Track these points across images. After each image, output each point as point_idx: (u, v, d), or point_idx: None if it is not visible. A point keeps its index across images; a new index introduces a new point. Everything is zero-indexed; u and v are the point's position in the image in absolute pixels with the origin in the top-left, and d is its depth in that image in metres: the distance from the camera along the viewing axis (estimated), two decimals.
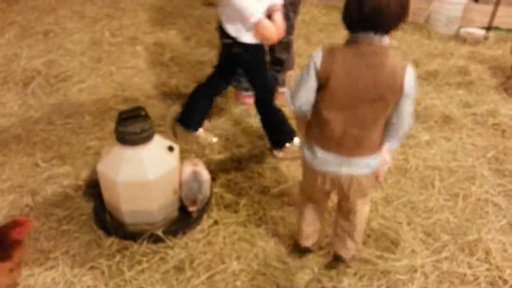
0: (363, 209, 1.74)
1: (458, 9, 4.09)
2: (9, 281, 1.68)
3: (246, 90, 2.99)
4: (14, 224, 1.67)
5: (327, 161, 1.56)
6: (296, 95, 1.49)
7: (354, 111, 1.45)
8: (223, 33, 2.20)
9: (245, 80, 2.94)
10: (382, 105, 1.45)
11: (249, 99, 2.99)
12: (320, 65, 1.41)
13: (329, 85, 1.42)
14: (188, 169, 2.10)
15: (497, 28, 4.12)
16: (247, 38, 2.13)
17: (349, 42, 1.42)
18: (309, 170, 1.65)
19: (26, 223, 1.68)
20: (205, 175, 2.13)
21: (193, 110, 2.55)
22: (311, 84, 1.44)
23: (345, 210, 1.75)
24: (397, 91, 1.43)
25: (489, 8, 4.21)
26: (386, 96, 1.43)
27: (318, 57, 1.41)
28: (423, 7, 4.55)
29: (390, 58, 1.40)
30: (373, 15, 1.33)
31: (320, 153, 1.56)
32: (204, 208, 2.12)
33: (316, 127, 1.54)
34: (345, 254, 1.86)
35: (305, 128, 1.60)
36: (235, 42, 2.16)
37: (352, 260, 1.89)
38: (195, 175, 2.08)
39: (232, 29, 2.14)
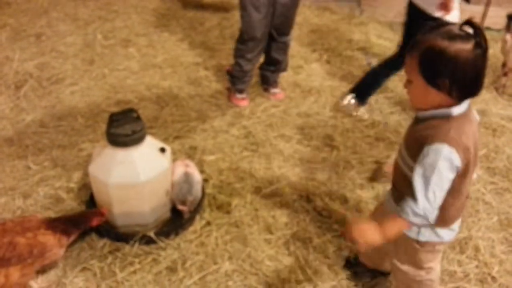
0: None
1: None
2: (60, 253, 1.80)
3: (240, 92, 3.00)
4: (97, 213, 1.89)
5: (457, 227, 1.47)
6: (435, 207, 1.23)
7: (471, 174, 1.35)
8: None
9: (239, 82, 2.95)
10: None
11: (242, 102, 2.99)
12: (460, 160, 1.21)
13: (469, 168, 1.28)
14: (179, 170, 2.11)
15: (488, 28, 4.16)
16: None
17: (460, 116, 1.25)
18: (441, 245, 1.49)
19: (103, 215, 1.90)
20: (197, 176, 2.14)
21: (371, 86, 2.89)
22: (447, 187, 1.23)
23: None
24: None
25: (480, 8, 4.25)
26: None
27: (454, 155, 1.20)
28: None
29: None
30: (484, 78, 1.23)
31: (457, 224, 1.45)
32: (196, 209, 2.12)
33: (454, 210, 1.38)
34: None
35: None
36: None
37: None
38: (187, 176, 2.09)
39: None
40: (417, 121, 1.32)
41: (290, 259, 1.96)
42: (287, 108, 3.01)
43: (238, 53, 2.87)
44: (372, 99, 3.13)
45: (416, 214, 1.21)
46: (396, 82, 3.38)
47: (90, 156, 2.39)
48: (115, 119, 1.91)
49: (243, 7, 2.68)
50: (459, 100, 1.23)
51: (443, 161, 1.18)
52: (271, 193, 2.29)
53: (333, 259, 1.96)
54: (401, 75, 3.47)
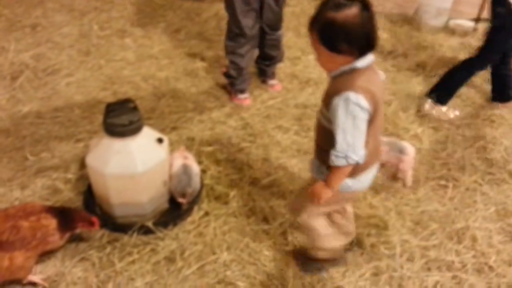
0: None
1: (447, 1, 4.11)
2: (61, 241, 1.82)
3: (242, 92, 2.96)
4: (85, 218, 1.85)
5: (368, 178, 1.57)
6: (359, 144, 1.38)
7: (381, 124, 1.49)
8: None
9: (238, 82, 2.91)
10: None
11: (245, 101, 2.95)
12: (368, 104, 1.35)
13: (377, 115, 1.41)
14: (178, 162, 2.10)
15: (486, 20, 4.14)
16: None
17: (363, 69, 1.39)
18: (346, 195, 1.60)
19: (94, 226, 1.86)
20: (195, 168, 2.14)
21: (452, 87, 2.89)
22: (366, 125, 1.38)
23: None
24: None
25: (478, 0, 4.24)
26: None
27: (363, 101, 1.34)
28: None
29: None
30: (376, 32, 1.38)
31: (364, 176, 1.54)
32: (195, 201, 2.12)
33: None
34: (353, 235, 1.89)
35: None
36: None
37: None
38: (185, 168, 2.08)
39: None
40: (331, 80, 1.46)
41: (288, 248, 1.97)
42: (285, 99, 3.00)
43: (229, 50, 2.82)
44: None
45: (338, 156, 1.38)
46: (393, 73, 3.38)
47: (87, 147, 2.39)
48: (111, 109, 1.90)
49: (228, 7, 2.66)
50: (359, 55, 1.38)
51: (353, 105, 1.33)
52: (268, 184, 2.29)
53: None
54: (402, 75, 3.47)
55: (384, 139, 2.22)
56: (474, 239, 2.06)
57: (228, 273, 1.85)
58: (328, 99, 1.40)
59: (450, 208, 2.22)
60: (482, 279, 1.90)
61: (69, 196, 2.16)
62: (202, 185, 2.21)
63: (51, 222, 1.74)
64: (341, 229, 1.82)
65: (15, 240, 1.64)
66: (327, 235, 1.76)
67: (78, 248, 1.92)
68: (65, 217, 1.80)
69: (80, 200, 2.13)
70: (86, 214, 1.89)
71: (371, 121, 1.39)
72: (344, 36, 1.34)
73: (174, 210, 2.09)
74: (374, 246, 1.97)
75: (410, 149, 2.21)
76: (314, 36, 1.39)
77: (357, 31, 1.34)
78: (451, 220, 2.15)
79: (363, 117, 1.35)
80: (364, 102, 1.33)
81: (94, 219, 1.85)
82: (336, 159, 1.38)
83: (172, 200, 2.10)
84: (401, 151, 2.20)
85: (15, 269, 1.68)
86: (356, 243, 1.98)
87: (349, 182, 1.52)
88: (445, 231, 2.09)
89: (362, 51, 1.37)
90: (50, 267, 1.84)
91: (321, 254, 1.83)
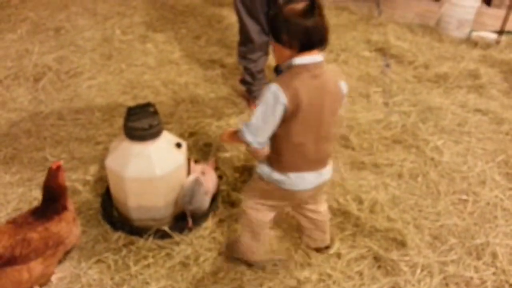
0: (324, 203, 1.91)
1: (470, 12, 4.06)
2: (78, 231, 1.81)
3: None
4: (53, 172, 1.71)
5: (305, 181, 1.61)
6: (261, 132, 1.50)
7: (322, 128, 1.55)
8: None
9: (255, 88, 2.92)
10: (336, 114, 1.59)
11: None
12: (287, 99, 1.44)
13: (299, 114, 1.48)
14: (192, 176, 2.02)
15: (509, 32, 4.08)
16: None
17: (299, 67, 1.48)
18: (280, 191, 1.65)
19: (60, 166, 1.73)
20: (206, 187, 2.01)
21: None
22: (277, 119, 1.48)
23: (310, 209, 1.86)
24: (341, 98, 1.58)
25: (501, 12, 4.19)
26: (337, 106, 1.57)
27: (280, 92, 1.44)
28: (434, 9, 4.53)
29: (327, 70, 1.53)
30: (322, 33, 1.47)
31: (295, 176, 1.60)
32: (197, 221, 2.05)
33: (288, 155, 1.57)
34: (323, 243, 1.96)
35: (270, 159, 1.61)
36: None
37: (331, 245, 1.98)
38: (194, 184, 1.97)
39: None
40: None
41: (304, 257, 1.95)
42: None
43: (241, 55, 2.84)
44: (390, 101, 3.11)
45: (243, 127, 1.52)
46: (413, 84, 3.34)
47: (106, 149, 2.41)
48: (132, 113, 1.92)
49: (236, 13, 2.70)
50: (298, 51, 1.47)
51: (270, 94, 1.45)
52: None
53: (347, 259, 1.94)
54: (408, 80, 3.43)
55: None
56: (494, 255, 2.00)
57: (244, 279, 1.84)
58: None
59: (469, 223, 2.17)
60: None
61: (87, 197, 2.18)
62: (218, 192, 2.20)
63: (62, 227, 1.70)
64: (305, 232, 1.92)
65: (28, 252, 1.63)
66: (254, 233, 1.79)
67: (94, 249, 1.94)
68: (52, 204, 1.72)
69: (98, 202, 2.15)
70: (49, 177, 1.73)
71: (293, 120, 1.47)
72: (285, 28, 1.46)
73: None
74: (392, 260, 1.94)
75: None
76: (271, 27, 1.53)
77: (298, 25, 1.44)
78: (470, 236, 2.10)
79: (275, 109, 1.45)
80: (282, 95, 1.43)
81: (52, 166, 1.72)
82: (242, 127, 1.53)
83: None
84: None
85: (35, 279, 1.68)
86: (374, 257, 1.95)
87: (275, 175, 1.59)
88: (465, 246, 2.04)
89: (302, 47, 1.46)
90: (66, 268, 1.86)
91: (240, 249, 1.85)
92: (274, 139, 1.56)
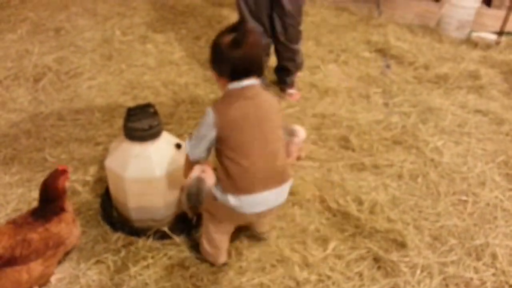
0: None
1: (470, 13, 4.06)
2: (78, 231, 1.81)
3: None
4: (57, 173, 1.73)
5: (257, 203, 1.62)
6: (196, 149, 1.64)
7: (266, 145, 1.59)
8: None
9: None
10: (278, 130, 1.65)
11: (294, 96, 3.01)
12: (219, 122, 1.54)
13: (234, 133, 1.56)
14: (194, 174, 2.01)
15: (509, 33, 4.08)
16: None
17: (233, 91, 1.58)
18: (230, 212, 1.66)
19: (66, 171, 1.75)
20: (209, 185, 1.99)
21: None
22: (210, 137, 1.59)
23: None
24: (278, 112, 1.68)
25: (501, 12, 4.19)
26: (277, 121, 1.65)
27: (212, 116, 1.55)
28: (434, 10, 4.52)
29: (263, 91, 1.64)
30: (252, 63, 1.55)
31: (246, 198, 1.60)
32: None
33: (236, 175, 1.58)
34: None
35: (222, 181, 1.64)
36: None
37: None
38: (200, 182, 1.92)
39: None
40: None
41: (304, 258, 1.94)
42: (303, 108, 2.99)
43: None
44: (390, 101, 3.11)
45: (189, 137, 1.67)
46: (413, 85, 3.34)
47: (106, 150, 2.41)
48: (132, 113, 1.92)
49: (239, 13, 2.72)
50: (230, 79, 1.56)
51: (206, 116, 1.57)
52: None
53: (347, 260, 1.94)
54: (408, 81, 3.43)
55: None
56: (494, 256, 2.00)
57: (243, 280, 1.84)
58: None
59: (469, 223, 2.17)
60: None
61: (86, 198, 2.18)
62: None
63: (62, 227, 1.70)
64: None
65: (28, 253, 1.62)
66: (212, 246, 1.81)
67: (93, 250, 1.93)
68: (51, 204, 1.72)
69: (98, 203, 2.15)
70: (50, 177, 1.74)
71: (232, 139, 1.55)
72: (216, 58, 1.57)
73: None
74: (392, 261, 1.94)
75: (300, 132, 2.09)
76: None
77: (225, 56, 1.53)
78: (470, 236, 2.10)
79: (207, 128, 1.57)
80: (212, 117, 1.55)
81: (58, 168, 1.74)
82: (186, 143, 1.67)
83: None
84: (290, 134, 2.09)
85: (34, 280, 1.67)
86: (373, 258, 1.95)
87: (228, 197, 1.61)
88: (464, 247, 2.04)
89: (232, 77, 1.55)
90: (65, 269, 1.86)
91: (203, 252, 1.88)
92: (222, 161, 1.61)
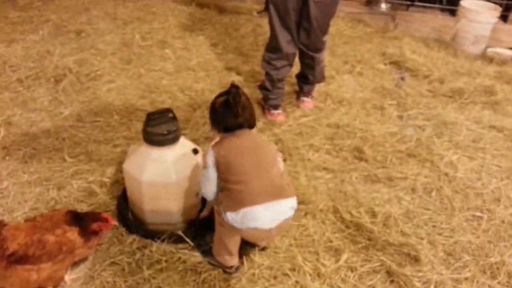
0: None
1: (486, 28, 4.06)
2: (91, 251, 1.87)
3: (275, 108, 2.99)
4: (97, 217, 1.80)
5: (258, 219, 1.69)
6: (204, 186, 1.80)
7: (259, 166, 1.72)
8: None
9: (272, 96, 2.95)
10: (270, 150, 1.82)
11: (278, 117, 2.97)
12: (218, 157, 1.70)
13: (231, 162, 1.69)
14: None
15: None
16: None
17: (227, 135, 1.76)
18: (230, 226, 1.75)
19: (109, 223, 1.81)
20: None
21: None
22: (213, 178, 1.75)
23: None
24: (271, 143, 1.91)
25: None
26: (271, 151, 1.83)
27: (211, 155, 1.72)
28: (450, 24, 4.52)
29: (253, 134, 1.83)
30: (243, 121, 1.75)
31: (243, 211, 1.68)
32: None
33: (235, 195, 1.70)
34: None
35: (222, 201, 1.74)
36: None
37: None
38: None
39: None
40: None
41: (316, 268, 1.95)
42: (318, 118, 3.01)
43: (266, 59, 2.88)
44: (404, 114, 3.11)
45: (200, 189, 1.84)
46: (428, 99, 3.34)
47: (124, 152, 2.45)
48: (152, 118, 1.95)
49: (269, 20, 2.75)
50: (222, 132, 1.78)
51: (206, 157, 1.75)
52: (297, 202, 2.28)
53: (359, 272, 1.94)
54: (420, 93, 3.42)
55: None
56: (510, 275, 1.99)
57: (256, 286, 1.85)
58: None
59: (484, 240, 2.16)
60: None
61: (103, 199, 2.22)
62: None
63: (78, 237, 1.73)
64: None
65: (41, 254, 1.64)
66: (222, 248, 1.88)
67: (108, 252, 1.96)
68: (83, 221, 1.77)
69: (114, 204, 2.18)
70: (96, 213, 1.87)
71: (227, 172, 1.69)
72: (212, 118, 1.80)
73: (203, 221, 2.10)
74: (405, 275, 1.93)
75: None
76: None
77: (219, 116, 1.76)
78: (485, 254, 2.09)
79: (209, 167, 1.73)
80: (212, 157, 1.72)
81: (105, 214, 1.82)
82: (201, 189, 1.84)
83: (202, 211, 2.12)
84: None
85: (42, 281, 1.69)
86: (386, 271, 1.95)
87: (227, 214, 1.71)
88: (479, 264, 2.03)
89: (224, 131, 1.76)
90: (80, 269, 1.88)
91: (215, 254, 1.93)
92: (223, 187, 1.74)
